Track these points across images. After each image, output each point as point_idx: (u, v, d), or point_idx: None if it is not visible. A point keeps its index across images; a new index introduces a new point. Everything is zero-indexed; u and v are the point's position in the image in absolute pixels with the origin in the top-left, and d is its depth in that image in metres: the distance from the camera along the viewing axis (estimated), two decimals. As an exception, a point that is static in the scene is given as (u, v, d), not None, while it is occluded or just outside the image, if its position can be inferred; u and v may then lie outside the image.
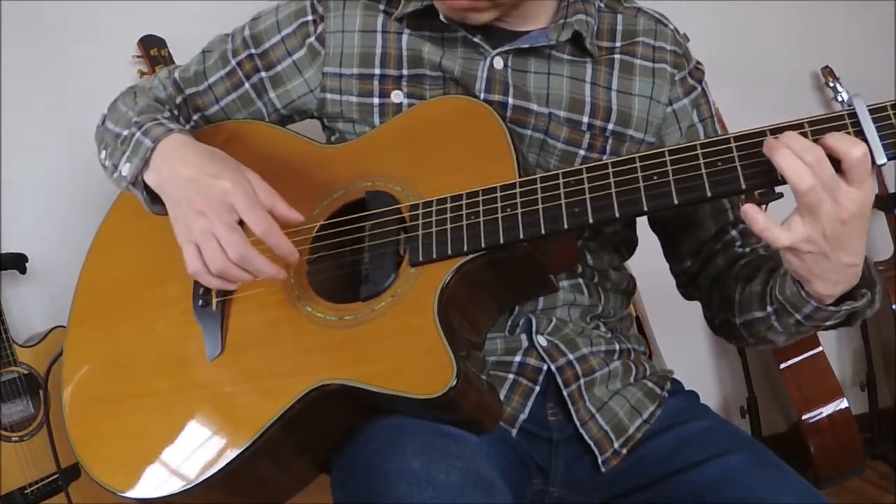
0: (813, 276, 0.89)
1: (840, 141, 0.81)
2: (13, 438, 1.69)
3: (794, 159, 0.81)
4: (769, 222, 0.84)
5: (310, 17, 1.13)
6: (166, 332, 1.06)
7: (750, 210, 0.84)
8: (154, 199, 1.03)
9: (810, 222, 0.83)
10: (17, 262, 1.80)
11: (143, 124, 1.04)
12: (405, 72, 1.09)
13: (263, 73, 1.15)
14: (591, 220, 0.91)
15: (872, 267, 0.94)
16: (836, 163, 0.82)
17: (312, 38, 1.13)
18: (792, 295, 0.95)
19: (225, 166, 0.97)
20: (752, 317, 1.04)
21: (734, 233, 1.15)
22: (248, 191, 0.95)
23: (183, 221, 0.96)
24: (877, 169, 0.83)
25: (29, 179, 1.85)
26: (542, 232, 0.92)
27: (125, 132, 1.06)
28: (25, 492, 1.68)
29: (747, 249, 1.13)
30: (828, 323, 0.96)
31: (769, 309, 1.01)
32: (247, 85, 1.16)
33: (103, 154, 1.11)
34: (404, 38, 1.10)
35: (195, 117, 1.20)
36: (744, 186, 0.86)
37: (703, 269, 1.16)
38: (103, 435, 1.03)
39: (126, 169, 1.03)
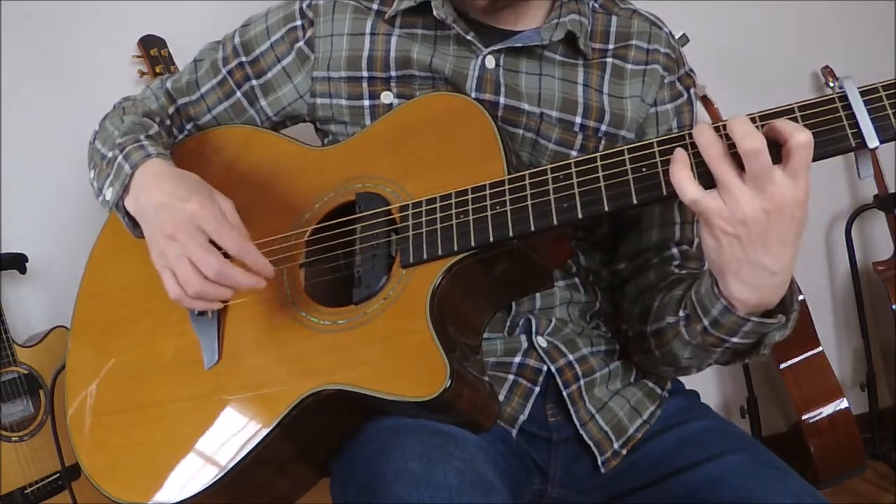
0: (727, 270, 0.86)
1: (786, 124, 0.79)
2: (13, 438, 1.69)
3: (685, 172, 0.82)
4: (687, 171, 0.82)
5: (298, 23, 1.13)
6: (165, 342, 1.06)
7: (679, 152, 0.83)
8: (136, 223, 1.03)
9: (725, 197, 0.81)
10: (17, 262, 1.79)
11: (125, 147, 1.04)
12: (393, 73, 1.09)
13: (254, 81, 1.15)
14: (580, 215, 0.89)
15: (796, 293, 0.91)
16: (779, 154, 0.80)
17: (301, 43, 1.13)
18: (705, 292, 0.91)
19: (195, 190, 0.97)
20: (664, 323, 1.01)
21: (675, 251, 1.11)
22: (218, 213, 0.94)
23: (157, 248, 0.96)
24: (876, 168, 0.81)
25: (29, 179, 1.85)
26: (532, 229, 0.91)
27: (109, 154, 1.06)
28: (25, 492, 1.68)
29: (683, 272, 1.09)
30: (734, 339, 0.92)
31: (681, 313, 0.97)
32: (238, 93, 1.16)
33: (92, 174, 1.11)
34: (393, 39, 1.09)
35: (188, 126, 1.20)
36: None
37: (633, 278, 1.13)
38: (108, 447, 1.03)
39: (109, 193, 1.04)
